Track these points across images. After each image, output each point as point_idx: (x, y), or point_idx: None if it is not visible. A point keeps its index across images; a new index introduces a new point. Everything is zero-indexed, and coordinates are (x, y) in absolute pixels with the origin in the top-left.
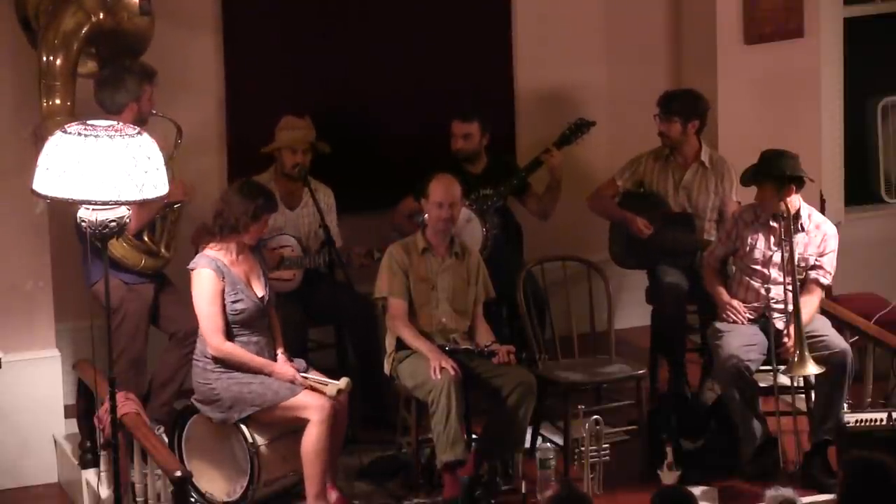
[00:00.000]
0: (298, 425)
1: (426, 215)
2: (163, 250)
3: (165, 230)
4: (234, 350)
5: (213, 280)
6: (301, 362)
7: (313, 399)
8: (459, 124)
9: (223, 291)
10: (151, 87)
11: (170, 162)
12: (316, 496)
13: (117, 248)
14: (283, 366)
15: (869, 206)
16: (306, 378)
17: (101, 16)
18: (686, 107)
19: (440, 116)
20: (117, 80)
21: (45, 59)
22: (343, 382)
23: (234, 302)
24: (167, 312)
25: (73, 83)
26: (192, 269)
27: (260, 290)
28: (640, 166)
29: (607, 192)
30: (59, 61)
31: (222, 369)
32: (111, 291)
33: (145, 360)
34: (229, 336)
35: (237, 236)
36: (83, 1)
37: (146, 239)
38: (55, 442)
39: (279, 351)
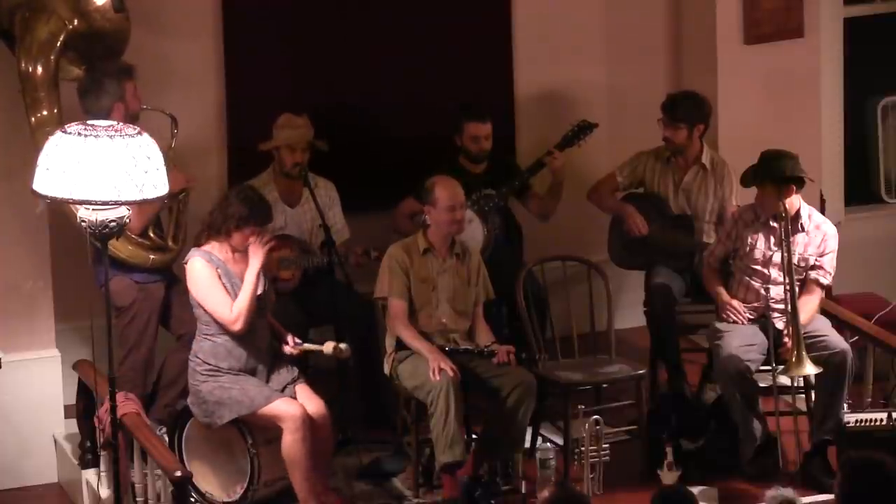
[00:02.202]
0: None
1: (426, 216)
2: (170, 243)
3: (171, 222)
4: (245, 313)
5: (206, 266)
6: (293, 370)
7: (287, 407)
8: (480, 125)
9: (220, 277)
10: (133, 83)
11: (169, 153)
12: (304, 501)
13: (122, 248)
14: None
15: (869, 206)
16: (301, 345)
17: (76, 21)
18: (692, 113)
19: (440, 116)
20: (96, 84)
21: (24, 68)
22: (341, 345)
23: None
24: (178, 314)
25: (57, 90)
26: (185, 263)
27: (258, 287)
28: (641, 165)
29: (607, 186)
30: (39, 71)
31: (209, 372)
32: (123, 291)
33: (153, 361)
34: (219, 333)
35: (223, 238)
36: (56, 8)
37: (152, 235)
38: (55, 442)
39: (288, 337)
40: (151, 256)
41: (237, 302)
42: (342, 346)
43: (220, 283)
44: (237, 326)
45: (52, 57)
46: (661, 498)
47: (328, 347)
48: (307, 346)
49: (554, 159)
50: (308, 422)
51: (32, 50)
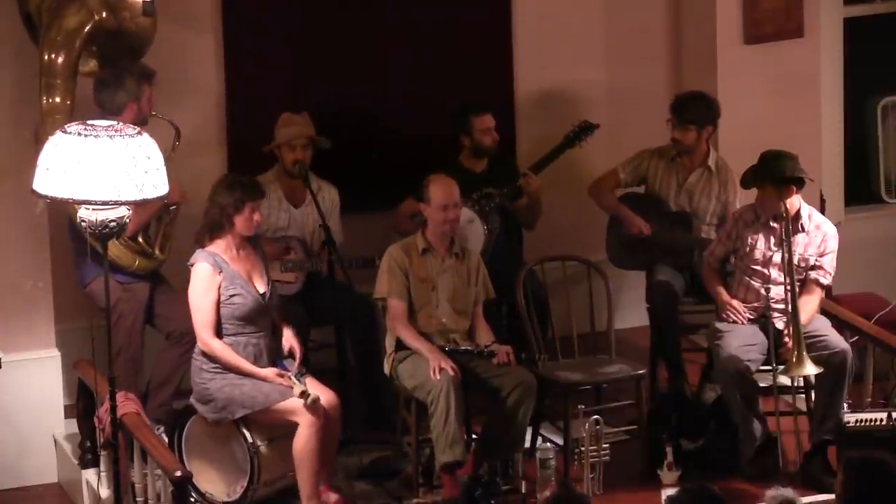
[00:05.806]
0: (293, 426)
1: (426, 217)
2: (157, 252)
3: (160, 232)
4: (223, 350)
5: (208, 274)
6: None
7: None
8: (486, 117)
9: (219, 287)
10: (150, 87)
11: (167, 164)
12: (308, 497)
13: (112, 248)
14: (266, 370)
15: (869, 206)
16: (285, 376)
17: (104, 15)
18: (701, 115)
19: (440, 117)
20: (117, 80)
21: (46, 56)
22: (312, 393)
23: (232, 296)
24: (162, 312)
25: (74, 82)
26: (191, 265)
27: (262, 286)
28: (645, 162)
29: (609, 183)
30: (60, 59)
31: (217, 369)
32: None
33: (142, 360)
34: (224, 335)
35: (227, 232)
36: None
37: (140, 240)
38: (55, 442)
39: (288, 333)
40: (137, 261)
41: (224, 350)
42: (311, 395)
43: (215, 297)
44: (200, 346)
45: (76, 46)
46: (689, 495)
47: (296, 391)
48: (292, 380)
49: (528, 183)
50: (324, 415)
51: (58, 38)
